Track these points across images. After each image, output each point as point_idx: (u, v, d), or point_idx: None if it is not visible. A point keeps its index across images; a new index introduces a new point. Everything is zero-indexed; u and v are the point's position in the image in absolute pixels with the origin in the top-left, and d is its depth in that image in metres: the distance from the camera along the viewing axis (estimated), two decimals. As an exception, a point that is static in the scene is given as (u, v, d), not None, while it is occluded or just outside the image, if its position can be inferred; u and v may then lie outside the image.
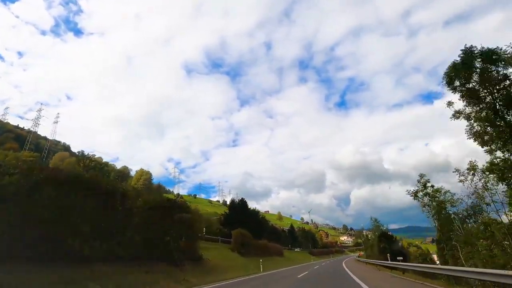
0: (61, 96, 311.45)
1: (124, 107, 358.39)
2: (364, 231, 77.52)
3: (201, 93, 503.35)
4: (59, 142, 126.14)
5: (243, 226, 42.51)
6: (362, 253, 72.45)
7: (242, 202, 46.67)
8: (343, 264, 30.55)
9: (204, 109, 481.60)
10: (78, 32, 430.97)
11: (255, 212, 50.86)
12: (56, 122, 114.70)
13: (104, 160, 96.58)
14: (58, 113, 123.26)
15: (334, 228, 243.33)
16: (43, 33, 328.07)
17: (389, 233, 39.80)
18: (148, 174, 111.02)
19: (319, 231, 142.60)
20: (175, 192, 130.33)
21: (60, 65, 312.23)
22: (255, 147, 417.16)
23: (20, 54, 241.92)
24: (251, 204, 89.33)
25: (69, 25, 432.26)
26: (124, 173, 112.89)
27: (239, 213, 43.64)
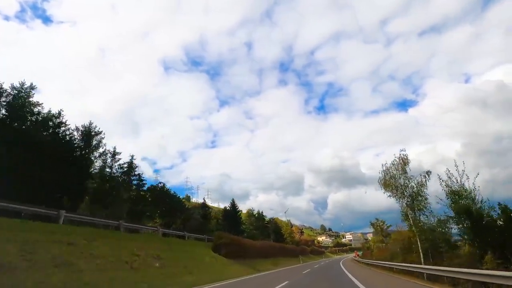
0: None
1: (97, 103, 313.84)
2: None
3: (179, 91, 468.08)
4: None
5: None
6: (359, 253, 57.66)
7: None
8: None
9: (182, 108, 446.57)
10: (46, 19, 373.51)
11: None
12: None
13: None
14: None
15: (311, 229, 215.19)
16: (6, 18, 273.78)
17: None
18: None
19: (291, 227, 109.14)
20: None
21: (26, 54, 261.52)
22: (234, 148, 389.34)
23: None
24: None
25: (36, 12, 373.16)
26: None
27: None
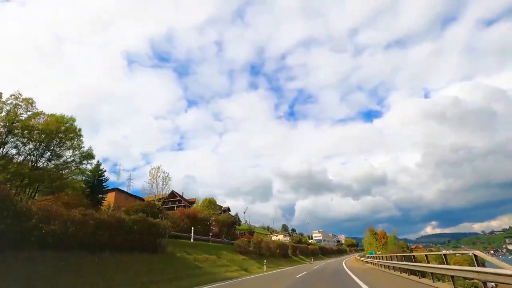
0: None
1: (50, 97, 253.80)
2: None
3: (144, 88, 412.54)
4: None
5: None
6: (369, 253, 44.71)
7: None
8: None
9: (146, 107, 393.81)
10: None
11: None
12: None
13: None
14: None
15: (268, 228, 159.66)
16: None
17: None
18: None
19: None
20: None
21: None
22: (202, 152, 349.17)
23: None
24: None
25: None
26: None
27: None
